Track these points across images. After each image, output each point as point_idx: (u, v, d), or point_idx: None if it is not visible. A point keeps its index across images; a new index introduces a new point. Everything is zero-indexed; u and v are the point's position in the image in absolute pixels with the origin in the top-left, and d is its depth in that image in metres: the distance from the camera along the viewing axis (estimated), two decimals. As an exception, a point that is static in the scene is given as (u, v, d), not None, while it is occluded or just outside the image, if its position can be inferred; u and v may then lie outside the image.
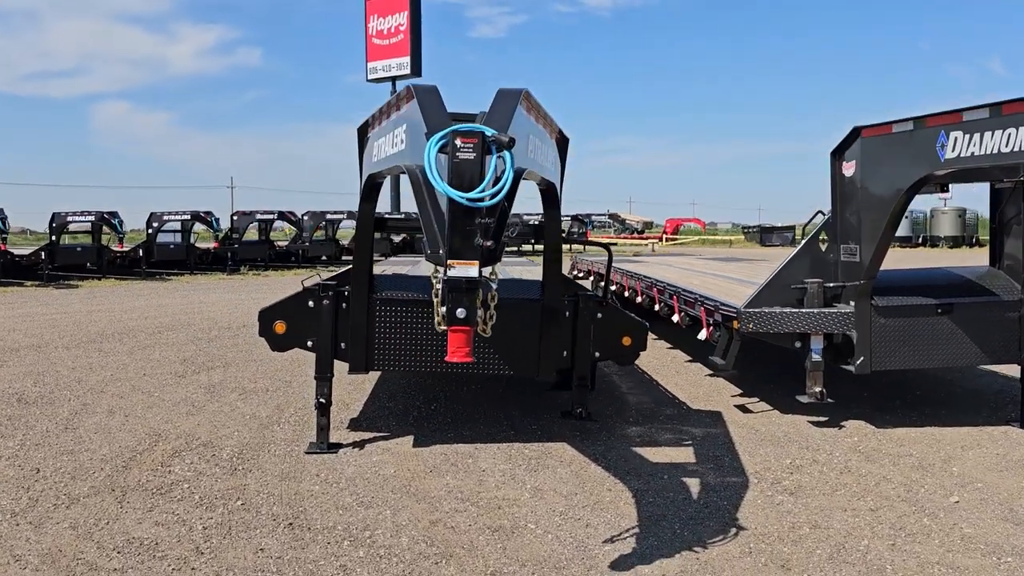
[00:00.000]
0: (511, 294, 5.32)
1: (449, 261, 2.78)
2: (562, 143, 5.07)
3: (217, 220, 24.43)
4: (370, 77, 47.66)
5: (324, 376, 5.18)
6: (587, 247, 38.69)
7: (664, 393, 7.00)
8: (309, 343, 5.23)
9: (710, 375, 7.73)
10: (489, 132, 2.79)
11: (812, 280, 5.71)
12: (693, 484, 4.58)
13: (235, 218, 26.62)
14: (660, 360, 8.64)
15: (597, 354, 5.42)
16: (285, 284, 17.88)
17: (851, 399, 6.43)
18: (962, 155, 4.59)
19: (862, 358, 5.51)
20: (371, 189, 4.61)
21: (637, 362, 8.43)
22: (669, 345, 9.57)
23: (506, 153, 2.78)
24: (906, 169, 5.05)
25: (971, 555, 3.61)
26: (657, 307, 8.23)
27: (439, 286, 2.91)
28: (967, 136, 4.55)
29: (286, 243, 28.55)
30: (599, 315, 5.36)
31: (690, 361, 8.59)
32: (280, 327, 5.23)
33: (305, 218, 28.49)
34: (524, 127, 3.67)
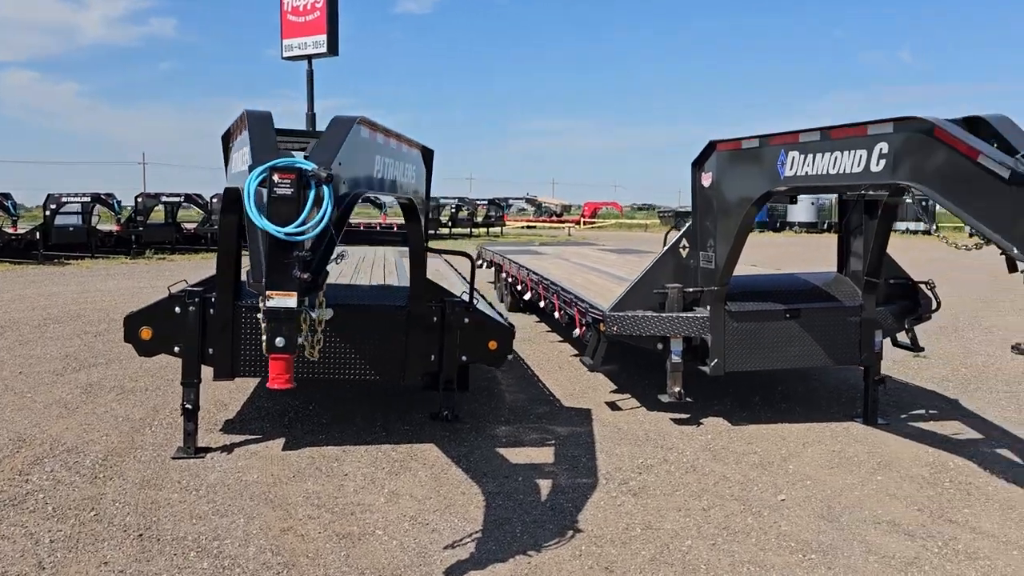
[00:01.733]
0: (377, 301, 5.45)
1: (267, 292, 2.88)
2: (427, 155, 5.20)
3: (119, 202, 23.74)
4: (285, 55, 46.44)
5: (191, 382, 5.21)
6: (503, 234, 39.03)
7: (542, 390, 7.23)
8: (176, 349, 5.24)
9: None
10: (308, 167, 2.90)
11: (673, 285, 6.00)
12: (545, 486, 4.80)
13: (139, 200, 25.85)
14: (547, 355, 8.88)
15: (464, 358, 5.59)
16: (191, 269, 17.57)
17: (715, 396, 6.78)
18: (798, 173, 4.90)
19: (716, 360, 5.83)
20: (232, 202, 4.65)
21: (524, 356, 8.77)
22: (560, 339, 9.83)
23: (326, 187, 2.89)
24: (752, 183, 5.35)
25: (780, 553, 3.92)
26: (542, 304, 8.49)
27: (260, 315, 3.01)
28: (803, 156, 4.85)
29: (194, 226, 27.90)
30: (466, 320, 5.52)
31: (575, 356, 8.85)
32: (146, 333, 5.24)
33: (214, 200, 27.89)
34: (369, 150, 3.79)
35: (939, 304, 6.36)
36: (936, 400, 6.90)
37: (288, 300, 2.87)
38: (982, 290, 15.47)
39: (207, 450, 5.35)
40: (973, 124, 4.06)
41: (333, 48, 46.38)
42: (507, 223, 42.86)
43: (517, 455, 5.38)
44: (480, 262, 14.61)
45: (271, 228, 2.81)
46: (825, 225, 45.42)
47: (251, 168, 2.90)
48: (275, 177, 2.83)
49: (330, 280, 7.14)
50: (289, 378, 3.02)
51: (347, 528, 4.15)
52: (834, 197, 45.60)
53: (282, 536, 4.04)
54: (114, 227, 24.51)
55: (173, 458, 5.18)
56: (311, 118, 47.28)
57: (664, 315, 5.92)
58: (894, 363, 8.41)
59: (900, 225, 42.76)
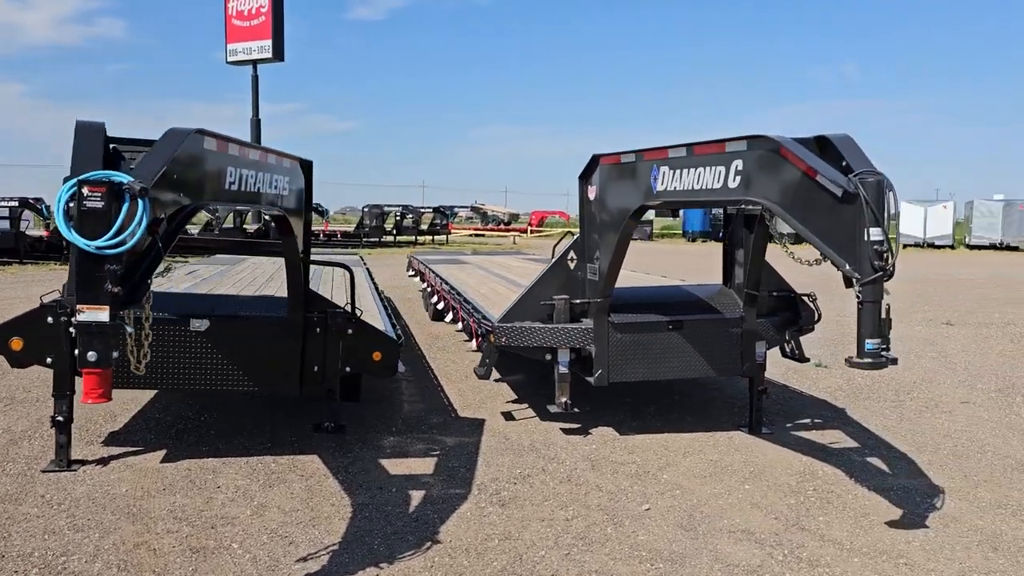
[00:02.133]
0: (256, 311, 5.43)
1: (78, 306, 2.87)
2: (305, 167, 5.21)
3: (47, 207, 23.25)
4: (230, 59, 46.15)
5: (63, 394, 5.13)
6: (448, 242, 38.94)
7: (441, 400, 7.26)
8: (48, 360, 5.16)
9: (497, 379, 8.04)
10: (123, 180, 2.89)
11: (560, 297, 6.07)
12: (416, 497, 4.82)
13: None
14: (457, 364, 8.91)
15: (348, 369, 5.59)
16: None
17: (610, 406, 6.87)
18: (668, 188, 5.01)
19: (600, 371, 5.91)
20: None
21: (431, 364, 8.79)
22: (474, 348, 9.86)
23: (140, 201, 2.88)
24: (629, 196, 5.46)
25: (630, 562, 3.99)
26: (450, 314, 8.53)
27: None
28: (672, 171, 4.96)
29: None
30: (349, 331, 5.53)
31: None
32: (16, 344, 5.14)
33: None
34: (217, 161, 3.79)
35: (820, 316, 6.54)
36: (824, 409, 7.08)
37: (100, 314, 2.85)
38: (899, 302, 15.91)
39: (82, 463, 5.27)
40: (823, 144, 4.20)
41: (278, 53, 46.30)
42: (453, 231, 42.82)
43: (398, 466, 5.39)
44: (409, 271, 14.64)
45: (80, 242, 2.79)
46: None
47: (65, 180, 2.89)
48: (85, 190, 2.81)
49: (225, 290, 7.13)
50: (104, 392, 2.99)
51: (203, 542, 4.12)
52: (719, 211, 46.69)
53: (134, 551, 4.00)
54: (43, 232, 23.97)
55: (43, 471, 5.09)
56: (256, 123, 46.96)
57: (551, 326, 5.99)
58: (794, 373, 8.62)
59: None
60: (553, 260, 6.37)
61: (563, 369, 6.05)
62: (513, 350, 6.17)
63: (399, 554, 4.03)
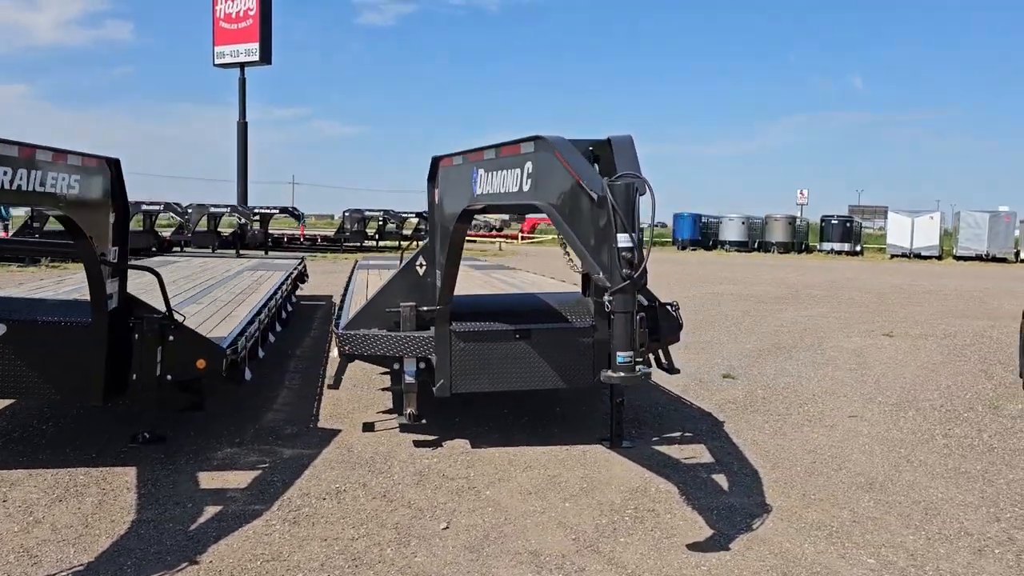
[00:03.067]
0: (61, 317, 5.21)
1: None
2: (112, 165, 5.00)
3: (6, 208, 23.20)
4: (217, 62, 46.11)
5: None
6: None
7: (311, 409, 7.02)
8: None
9: (386, 387, 7.79)
10: None
11: (406, 304, 5.84)
12: (209, 513, 4.59)
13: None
14: (355, 369, 8.64)
15: (169, 377, 5.36)
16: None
17: (479, 417, 6.63)
18: (484, 191, 4.78)
19: (442, 381, 5.67)
20: None
21: (330, 371, 8.53)
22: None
23: None
24: (458, 199, 5.23)
25: (385, 587, 3.75)
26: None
27: None
28: (486, 174, 4.74)
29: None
30: (170, 338, 5.31)
31: (385, 372, 8.64)
32: None
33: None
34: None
35: (681, 325, 6.29)
36: (702, 423, 6.83)
37: None
38: (850, 312, 15.68)
39: None
40: (605, 146, 3.97)
41: (266, 57, 46.30)
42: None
43: (214, 480, 5.16)
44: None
45: None
46: (756, 244, 45.95)
47: None
48: None
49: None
50: None
51: (-56, 560, 3.89)
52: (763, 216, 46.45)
53: None
54: (2, 233, 23.96)
55: None
56: (242, 126, 46.91)
57: (394, 334, 5.76)
58: (697, 384, 8.38)
59: (825, 245, 43.45)
60: (401, 265, 6.14)
61: (409, 379, 5.82)
62: (360, 358, 5.95)
63: (153, 574, 3.80)
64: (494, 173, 4.62)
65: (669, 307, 6.23)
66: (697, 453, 5.96)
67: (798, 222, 46.48)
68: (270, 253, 27.19)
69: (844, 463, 5.77)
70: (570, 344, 5.80)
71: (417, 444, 6.01)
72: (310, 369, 8.82)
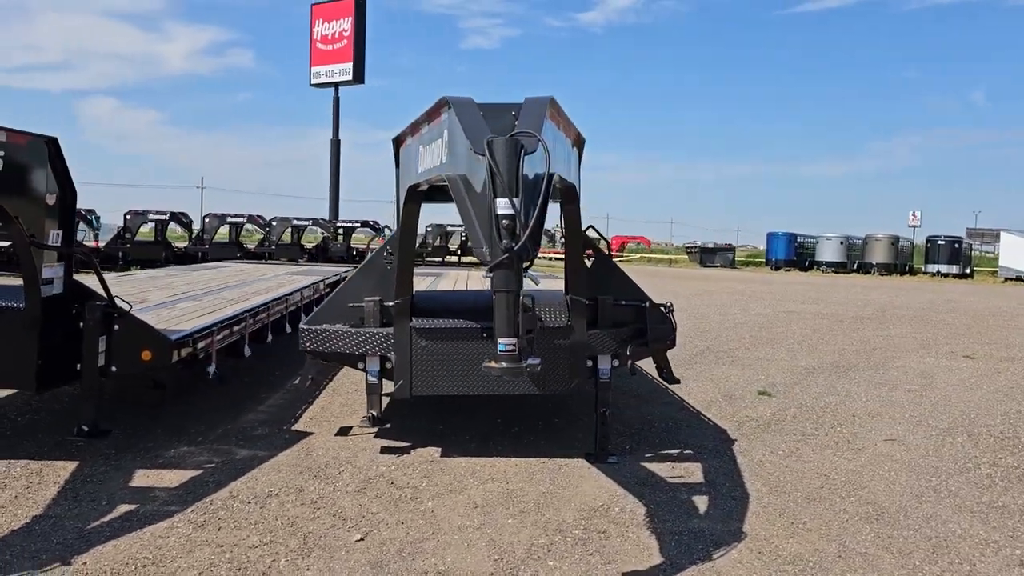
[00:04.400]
0: (-6, 302, 5.02)
1: None
2: (49, 144, 4.79)
3: (97, 218, 24.17)
4: (313, 82, 47.43)
5: None
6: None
7: (296, 410, 6.69)
8: None
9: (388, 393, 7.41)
10: None
11: (370, 299, 5.42)
12: (118, 512, 4.28)
13: (128, 217, 26.35)
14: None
15: (114, 368, 5.11)
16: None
17: (470, 424, 6.18)
18: (425, 167, 4.33)
19: (401, 381, 5.23)
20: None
21: (340, 373, 8.23)
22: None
23: None
24: (406, 181, 4.79)
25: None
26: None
27: None
28: (424, 149, 4.28)
29: (185, 244, 28.32)
30: (115, 327, 5.06)
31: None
32: None
33: (206, 220, 28.54)
34: None
35: (675, 328, 5.64)
36: (709, 440, 6.13)
37: None
38: (938, 333, 14.44)
39: None
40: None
41: (359, 75, 47.32)
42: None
43: (147, 478, 4.86)
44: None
45: None
46: (855, 265, 43.79)
47: None
48: None
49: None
50: None
51: None
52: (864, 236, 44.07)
53: None
54: (93, 243, 24.97)
55: None
56: (335, 144, 48.03)
57: (354, 331, 5.35)
58: (727, 400, 7.67)
59: (931, 267, 40.94)
60: (368, 257, 5.73)
61: (371, 379, 5.40)
62: (322, 356, 5.57)
63: (4, 574, 3.48)
64: (427, 148, 4.16)
65: (663, 308, 5.60)
66: (689, 472, 5.30)
67: (902, 242, 44.03)
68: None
69: (856, 490, 5.00)
70: (544, 346, 5.24)
71: (383, 451, 5.58)
72: (321, 372, 8.52)
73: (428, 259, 35.13)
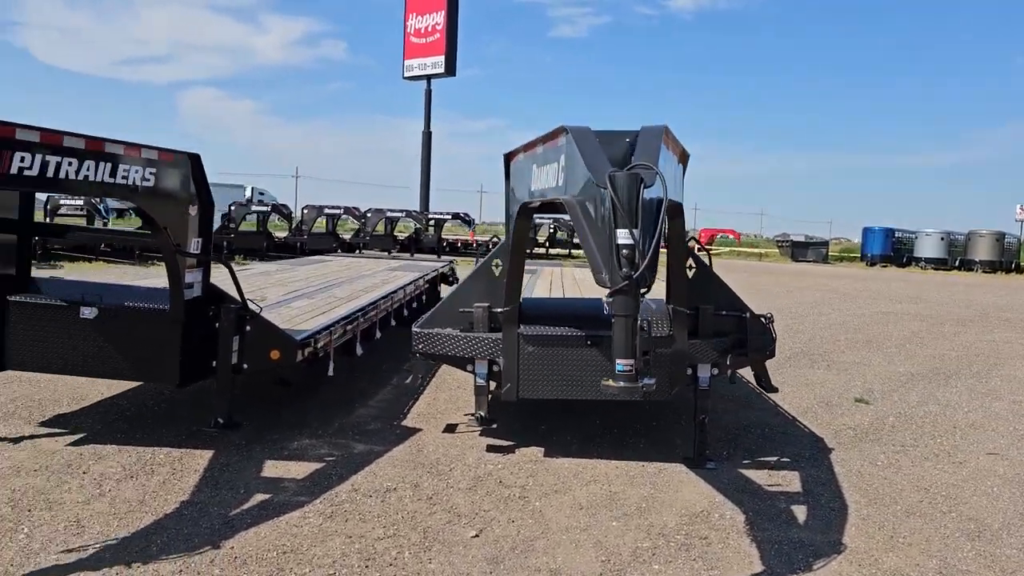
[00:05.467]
0: (143, 303, 5.50)
1: None
2: (192, 160, 5.23)
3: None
4: (406, 75, 48.35)
5: None
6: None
7: (405, 406, 7.06)
8: None
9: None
10: None
11: (479, 304, 5.71)
12: (254, 501, 4.68)
13: (233, 208, 27.57)
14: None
15: (246, 366, 5.55)
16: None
17: (571, 425, 6.42)
18: (537, 187, 4.58)
19: (508, 385, 5.51)
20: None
21: (443, 370, 8.58)
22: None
23: None
24: (518, 196, 5.04)
25: (383, 590, 3.63)
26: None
27: None
28: (539, 169, 4.53)
29: (284, 235, 29.44)
30: (247, 328, 5.49)
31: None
32: None
33: (304, 211, 29.52)
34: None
35: (774, 339, 5.75)
36: (807, 448, 6.21)
37: None
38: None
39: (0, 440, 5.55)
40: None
41: (451, 68, 47.95)
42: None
43: (276, 469, 5.27)
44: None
45: None
46: (956, 262, 42.18)
47: None
48: None
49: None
50: None
51: (2, 525, 4.19)
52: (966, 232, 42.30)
53: (-65, 524, 4.13)
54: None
55: (-47, 444, 5.41)
56: (427, 136, 48.80)
57: (465, 335, 5.66)
58: (823, 406, 7.70)
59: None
60: (477, 265, 6.02)
61: (480, 381, 5.70)
62: (433, 358, 5.91)
63: (165, 555, 3.91)
64: (542, 168, 4.41)
65: (763, 319, 5.72)
66: (786, 481, 5.42)
67: (1007, 239, 42.16)
68: (441, 257, 28.04)
69: (958, 505, 5.04)
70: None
71: (489, 449, 5.87)
72: (423, 368, 8.89)
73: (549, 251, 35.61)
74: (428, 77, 47.34)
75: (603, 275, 3.24)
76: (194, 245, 5.37)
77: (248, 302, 5.50)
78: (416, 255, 28.61)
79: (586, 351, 5.46)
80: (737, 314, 5.68)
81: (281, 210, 29.18)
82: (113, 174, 4.53)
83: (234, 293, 5.55)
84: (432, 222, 32.90)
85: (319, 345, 5.98)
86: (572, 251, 38.64)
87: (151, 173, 4.85)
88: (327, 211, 29.73)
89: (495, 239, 38.14)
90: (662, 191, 3.21)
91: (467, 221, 33.50)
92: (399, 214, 31.75)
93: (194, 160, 5.26)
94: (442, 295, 13.12)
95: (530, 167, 4.74)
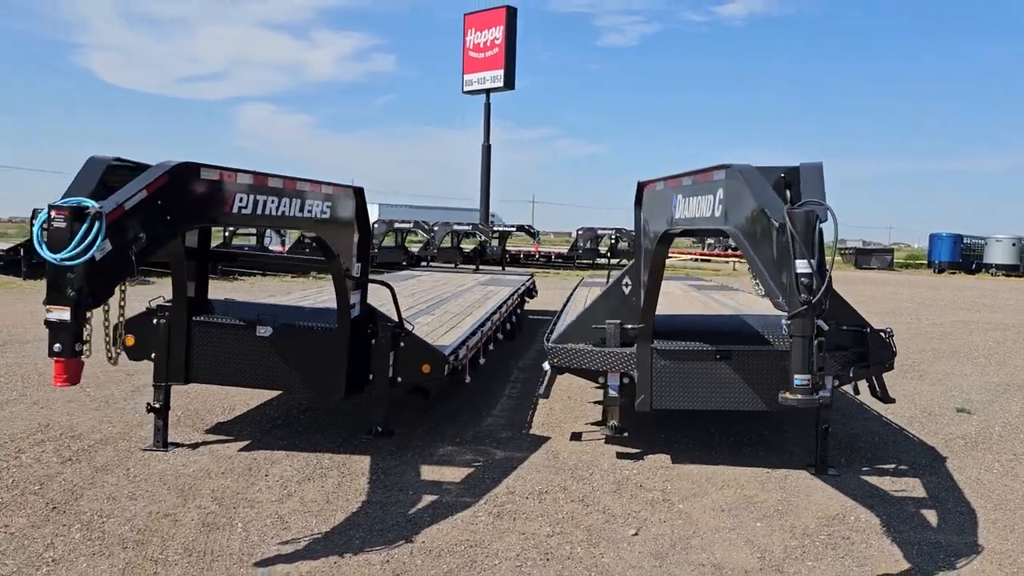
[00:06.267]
0: (311, 323, 6.05)
1: (46, 307, 3.55)
2: (356, 193, 5.77)
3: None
4: (466, 89, 49.21)
5: (159, 384, 6.04)
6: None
7: (525, 416, 7.52)
8: (152, 355, 6.10)
9: (598, 400, 8.15)
10: (87, 204, 3.53)
11: (611, 321, 6.14)
12: (425, 501, 5.16)
13: (375, 225, 28.65)
14: (571, 381, 9.08)
15: (400, 379, 6.06)
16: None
17: (689, 434, 6.81)
18: (682, 216, 5.00)
19: (642, 396, 5.92)
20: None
21: (540, 384, 9.02)
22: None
23: (98, 222, 3.51)
24: (658, 222, 5.47)
25: (570, 580, 4.08)
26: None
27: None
28: (684, 199, 4.95)
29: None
30: (401, 344, 6.01)
31: (597, 387, 8.99)
32: (129, 340, 6.12)
33: (375, 225, 30.39)
34: (221, 188, 4.41)
35: (895, 353, 6.06)
36: (922, 456, 6.51)
37: (63, 313, 3.52)
38: None
39: (178, 446, 6.15)
40: (797, 174, 4.07)
41: (510, 82, 48.64)
42: (671, 256, 42.38)
43: (433, 473, 5.76)
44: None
45: (47, 255, 3.47)
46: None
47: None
48: (52, 213, 3.49)
49: (317, 302, 7.90)
50: (68, 377, 3.65)
51: (218, 519, 4.74)
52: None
53: (160, 520, 4.70)
54: (280, 249, 27.07)
55: (143, 449, 6.02)
56: (486, 149, 49.56)
57: (599, 350, 6.09)
58: (925, 416, 7.96)
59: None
60: (608, 285, 6.45)
61: (612, 393, 6.12)
62: (568, 371, 6.34)
63: (368, 547, 4.41)
64: (690, 199, 4.83)
65: (882, 333, 6.04)
66: (909, 487, 5.73)
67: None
68: (506, 269, 28.61)
69: (1081, 510, 5.30)
70: (772, 367, 5.81)
71: (619, 455, 6.29)
72: (530, 380, 9.35)
73: (578, 261, 35.89)
74: (487, 91, 48.12)
75: (780, 299, 3.65)
76: (356, 269, 5.91)
77: (405, 322, 6.02)
78: (481, 267, 29.26)
79: (716, 364, 5.85)
80: (858, 328, 6.01)
81: None
82: (302, 208, 5.08)
83: (387, 312, 6.08)
84: (496, 235, 33.51)
85: (459, 357, 6.48)
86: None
87: (328, 206, 5.40)
88: (397, 225, 30.60)
89: (557, 252, 38.64)
90: (834, 227, 3.63)
91: (532, 233, 34.06)
92: (465, 227, 32.49)
93: (358, 193, 5.80)
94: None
95: (672, 197, 5.16)
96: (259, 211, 4.68)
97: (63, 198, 3.64)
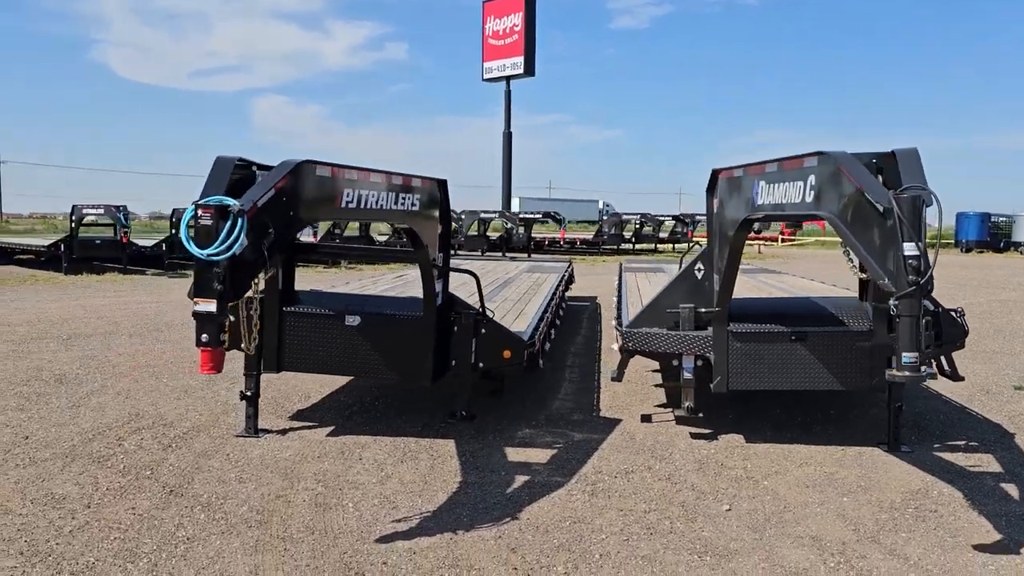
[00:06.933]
0: (397, 311, 6.25)
1: (194, 299, 3.76)
2: (441, 185, 5.96)
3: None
4: (485, 76, 49.31)
5: (251, 373, 6.27)
6: (690, 249, 38.75)
7: (592, 399, 7.71)
8: (242, 345, 6.33)
9: (659, 384, 8.32)
10: (228, 203, 3.74)
11: (685, 305, 6.31)
12: (519, 481, 5.37)
13: (463, 217, 29.09)
14: (635, 368, 9.24)
15: (481, 365, 6.26)
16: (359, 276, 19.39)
17: (755, 415, 6.98)
18: (766, 202, 5.15)
19: (719, 378, 6.09)
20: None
21: (603, 367, 9.23)
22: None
23: (240, 219, 3.72)
24: (738, 209, 5.62)
25: (680, 553, 4.27)
26: (616, 319, 8.94)
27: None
28: (768, 185, 5.10)
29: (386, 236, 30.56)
30: (482, 331, 6.20)
31: (656, 370, 9.18)
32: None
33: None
34: (333, 184, 4.61)
35: (967, 332, 6.19)
36: (990, 433, 6.65)
37: (209, 305, 3.73)
38: None
39: (267, 432, 6.39)
40: (889, 159, 4.21)
41: (530, 69, 48.58)
42: (694, 240, 42.41)
43: (518, 455, 5.96)
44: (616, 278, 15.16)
45: (195, 251, 3.68)
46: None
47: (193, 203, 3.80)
48: (199, 211, 3.70)
49: (405, 292, 8.12)
50: (214, 366, 3.87)
51: (327, 500, 4.97)
52: None
53: (273, 501, 4.93)
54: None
55: (235, 436, 6.26)
56: (507, 136, 49.56)
57: (674, 333, 6.26)
58: (984, 394, 8.08)
59: None
60: (680, 270, 6.61)
61: (687, 375, 6.30)
62: (641, 354, 6.52)
63: (478, 524, 4.61)
64: (776, 185, 4.98)
65: (954, 313, 6.18)
66: (983, 462, 5.88)
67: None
68: (532, 256, 28.77)
69: None
70: (847, 347, 5.97)
71: (694, 436, 6.47)
72: (586, 365, 9.54)
73: (603, 247, 36.01)
74: (507, 78, 48.17)
75: (887, 281, 3.81)
76: (439, 259, 6.10)
77: (486, 309, 6.21)
78: (507, 254, 29.49)
79: (790, 346, 6.01)
80: (932, 309, 6.14)
81: None
82: (397, 201, 5.27)
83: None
84: (522, 222, 33.68)
85: (536, 343, 6.67)
86: (658, 246, 39.06)
87: (417, 199, 5.59)
88: None
89: (582, 239, 38.74)
90: (938, 212, 3.78)
91: (558, 220, 34.19)
92: (492, 215, 32.69)
93: (442, 185, 5.99)
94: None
95: (754, 184, 5.31)
96: (362, 205, 4.88)
97: (201, 197, 3.85)
